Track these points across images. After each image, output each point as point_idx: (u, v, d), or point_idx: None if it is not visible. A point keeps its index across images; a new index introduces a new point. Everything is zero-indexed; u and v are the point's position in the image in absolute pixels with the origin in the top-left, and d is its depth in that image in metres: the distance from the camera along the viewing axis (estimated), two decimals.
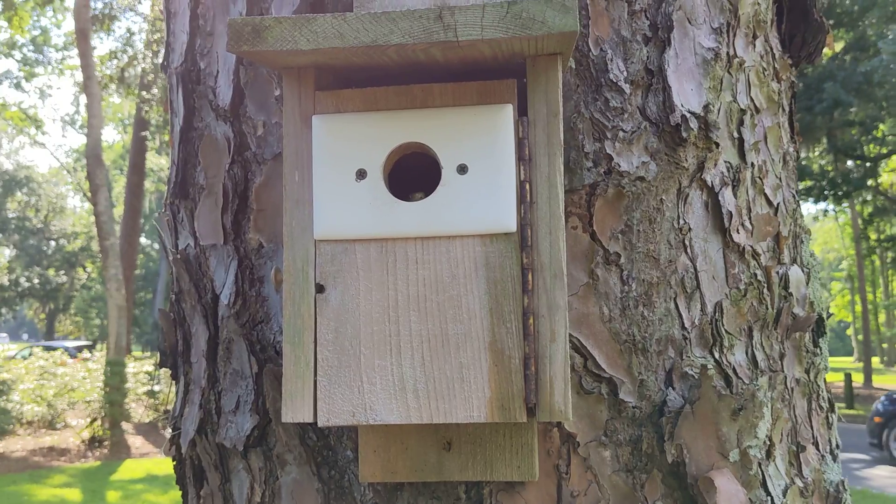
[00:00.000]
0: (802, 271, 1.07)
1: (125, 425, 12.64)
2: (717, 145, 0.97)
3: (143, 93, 17.98)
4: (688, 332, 0.93)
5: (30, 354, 16.27)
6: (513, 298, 0.76)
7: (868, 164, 18.93)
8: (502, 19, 0.70)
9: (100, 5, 17.78)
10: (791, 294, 1.04)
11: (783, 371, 1.01)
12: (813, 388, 1.07)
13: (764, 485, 0.93)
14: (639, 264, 0.92)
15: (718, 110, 0.99)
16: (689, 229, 0.95)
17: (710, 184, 0.97)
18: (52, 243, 36.15)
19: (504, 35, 0.69)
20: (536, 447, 0.85)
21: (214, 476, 1.04)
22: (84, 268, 36.68)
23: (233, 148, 1.04)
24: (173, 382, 1.17)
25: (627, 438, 0.90)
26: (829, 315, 1.15)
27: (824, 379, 1.11)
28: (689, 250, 0.95)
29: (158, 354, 1.21)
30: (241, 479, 1.00)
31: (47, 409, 12.71)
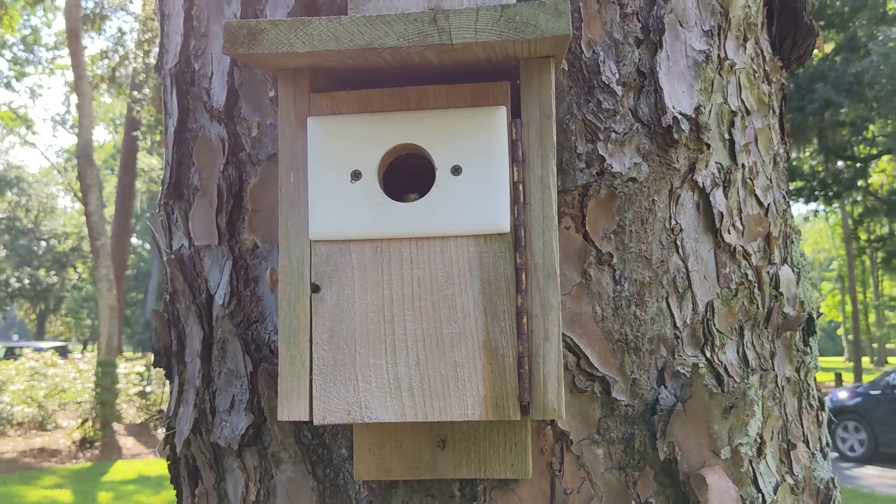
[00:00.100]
0: (793, 271, 1.09)
1: (116, 426, 12.61)
2: (709, 147, 0.99)
3: (135, 93, 17.94)
4: (679, 332, 0.94)
5: None
6: (507, 298, 0.77)
7: (858, 165, 19.03)
8: (496, 23, 0.71)
9: (91, 5, 17.74)
10: (781, 294, 1.05)
11: (774, 370, 1.02)
12: (803, 387, 1.08)
13: (755, 482, 0.94)
14: (631, 264, 0.93)
15: (709, 112, 1.00)
16: (681, 230, 0.96)
17: (701, 185, 0.98)
18: (43, 243, 36.00)
19: (498, 38, 0.70)
20: (530, 445, 0.86)
21: (209, 475, 1.05)
22: (75, 268, 36.55)
23: (227, 149, 1.04)
24: (167, 382, 1.17)
25: (620, 436, 0.91)
26: (819, 315, 1.16)
27: (814, 378, 1.12)
28: (680, 250, 0.96)
29: (152, 354, 1.21)
30: (236, 477, 1.01)
31: (38, 410, 12.66)
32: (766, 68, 1.13)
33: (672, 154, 0.96)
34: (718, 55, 1.03)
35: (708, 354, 0.95)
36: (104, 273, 12.31)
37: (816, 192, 18.47)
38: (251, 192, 1.02)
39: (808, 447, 1.06)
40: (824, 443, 1.11)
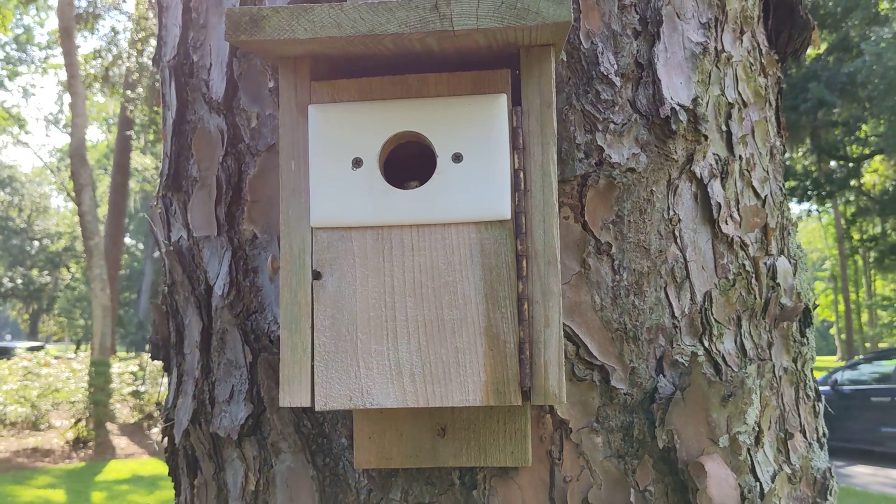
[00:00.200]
0: (790, 262, 1.09)
1: (110, 426, 12.57)
2: (706, 138, 0.99)
3: (128, 92, 17.89)
4: (678, 321, 0.95)
5: None
6: (508, 284, 0.77)
7: (851, 165, 19.11)
8: (497, 9, 0.71)
9: (84, 3, 17.68)
10: (779, 284, 1.06)
11: (771, 360, 1.03)
12: (800, 377, 1.08)
13: (753, 471, 0.94)
14: (630, 254, 0.94)
15: (707, 104, 1.00)
16: (679, 220, 0.97)
17: (699, 175, 0.99)
18: (36, 243, 35.88)
19: (499, 25, 0.71)
20: (530, 433, 0.87)
21: (208, 465, 1.05)
22: (68, 268, 36.44)
23: (226, 140, 1.04)
24: (160, 382, 1.17)
25: (619, 425, 0.91)
26: (816, 306, 1.16)
27: (811, 368, 1.13)
28: (678, 241, 0.96)
29: (151, 347, 1.21)
30: (236, 468, 1.01)
31: (31, 409, 12.61)
32: (763, 61, 1.14)
33: (670, 145, 0.96)
34: (715, 47, 1.03)
35: (706, 344, 0.96)
36: (97, 273, 12.27)
37: (809, 192, 18.54)
38: (250, 182, 1.02)
39: (806, 437, 1.06)
40: (821, 433, 1.11)
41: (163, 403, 1.17)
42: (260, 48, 0.76)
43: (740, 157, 1.05)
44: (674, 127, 0.96)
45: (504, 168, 0.78)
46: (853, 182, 19.83)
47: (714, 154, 1.01)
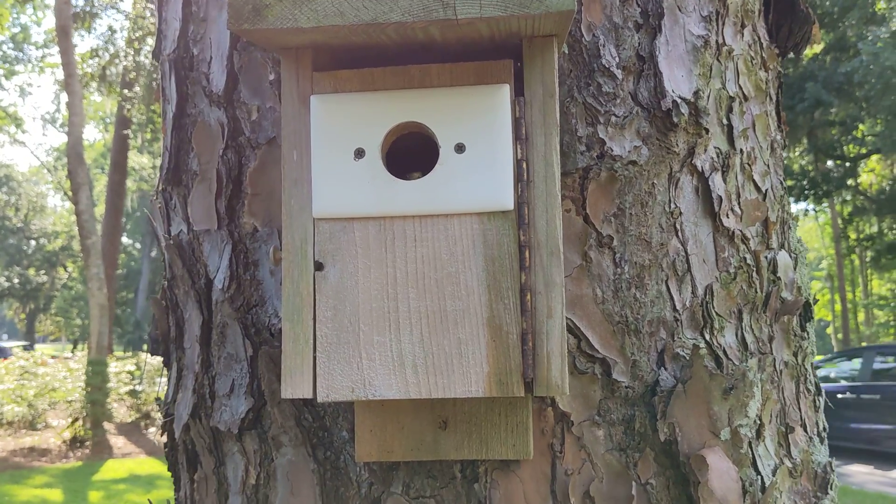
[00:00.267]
0: (790, 256, 1.09)
1: (107, 425, 12.54)
2: (707, 131, 0.99)
3: (125, 91, 17.87)
4: (679, 314, 0.95)
5: None
6: (510, 275, 0.77)
7: (848, 164, 19.14)
8: None
9: (81, 2, 17.65)
10: (779, 278, 1.06)
11: (772, 353, 1.03)
12: (801, 371, 1.08)
13: (754, 464, 0.94)
14: (631, 247, 0.94)
15: (708, 97, 1.00)
16: (680, 213, 0.97)
17: (700, 169, 0.99)
18: (33, 242, 35.82)
19: (502, 13, 0.70)
20: (531, 426, 0.87)
21: (208, 460, 1.04)
22: (65, 267, 36.38)
23: (226, 133, 1.04)
24: (161, 375, 1.17)
25: (620, 418, 0.91)
26: (816, 301, 1.16)
27: (811, 363, 1.13)
28: (680, 234, 0.96)
29: (150, 342, 1.21)
30: (236, 461, 1.01)
31: (28, 409, 12.58)
32: (764, 55, 1.14)
33: (671, 138, 0.96)
34: (717, 41, 1.03)
35: (707, 337, 0.96)
36: (94, 272, 12.25)
37: (806, 191, 18.56)
38: (251, 175, 1.02)
39: (806, 431, 1.06)
40: (821, 427, 1.11)
41: (161, 399, 1.17)
42: (262, 37, 0.76)
43: (741, 150, 1.04)
44: (675, 120, 0.95)
45: (507, 158, 0.78)
46: (850, 181, 19.86)
47: (715, 147, 1.01)
